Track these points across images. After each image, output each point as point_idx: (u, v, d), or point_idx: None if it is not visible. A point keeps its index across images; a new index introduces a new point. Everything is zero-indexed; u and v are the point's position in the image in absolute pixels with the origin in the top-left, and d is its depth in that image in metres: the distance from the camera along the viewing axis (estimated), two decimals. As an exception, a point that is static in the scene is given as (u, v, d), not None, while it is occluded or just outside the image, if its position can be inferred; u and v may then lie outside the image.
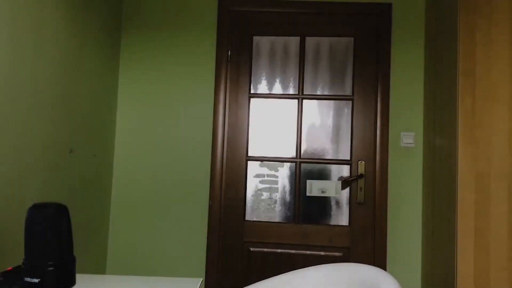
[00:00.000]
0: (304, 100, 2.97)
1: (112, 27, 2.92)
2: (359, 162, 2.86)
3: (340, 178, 2.88)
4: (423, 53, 2.94)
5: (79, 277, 0.93)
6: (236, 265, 2.88)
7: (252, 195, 2.95)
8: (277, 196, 2.95)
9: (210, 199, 2.92)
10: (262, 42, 3.02)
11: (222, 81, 2.97)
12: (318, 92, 2.97)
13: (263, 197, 2.95)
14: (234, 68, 2.98)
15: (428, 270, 2.68)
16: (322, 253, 2.84)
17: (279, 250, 2.87)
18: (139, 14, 3.05)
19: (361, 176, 2.83)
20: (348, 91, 2.95)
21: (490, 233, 2.13)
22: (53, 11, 2.11)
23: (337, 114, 2.96)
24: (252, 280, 2.85)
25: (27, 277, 0.87)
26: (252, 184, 2.96)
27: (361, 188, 2.83)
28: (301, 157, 2.94)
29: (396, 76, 2.93)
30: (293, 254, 2.86)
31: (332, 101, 2.96)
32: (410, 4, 2.96)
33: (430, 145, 2.73)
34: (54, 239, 0.87)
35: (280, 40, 3.02)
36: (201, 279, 1.48)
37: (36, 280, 0.86)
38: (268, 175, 2.96)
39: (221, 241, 2.90)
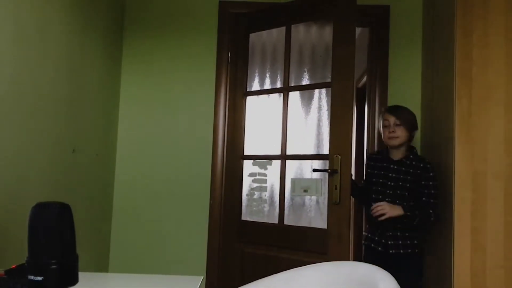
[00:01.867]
0: (290, 93, 2.74)
1: (115, 30, 2.92)
2: (334, 156, 2.40)
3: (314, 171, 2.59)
4: (421, 54, 2.94)
5: (82, 275, 0.93)
6: (236, 264, 2.86)
7: (247, 194, 2.89)
8: (266, 195, 2.81)
9: (210, 199, 2.92)
10: (257, 39, 2.95)
11: (223, 82, 2.96)
12: (303, 83, 2.77)
13: (255, 196, 2.86)
14: (233, 69, 2.97)
15: (426, 268, 2.68)
16: (304, 255, 2.49)
17: (267, 251, 2.69)
18: (141, 17, 3.05)
19: (335, 171, 2.37)
20: (328, 79, 2.62)
21: (486, 232, 2.13)
22: (56, 14, 2.11)
23: (320, 107, 2.71)
24: (252, 278, 2.83)
25: (31, 275, 0.87)
26: (246, 183, 2.89)
27: (336, 186, 2.36)
28: (286, 153, 2.70)
29: (394, 77, 2.93)
30: (280, 255, 2.62)
31: (316, 94, 2.71)
32: (408, 6, 2.96)
33: (428, 144, 2.73)
34: (57, 238, 0.87)
35: (272, 37, 2.91)
36: (202, 277, 1.48)
37: (39, 278, 0.86)
38: (259, 174, 2.86)
39: (221, 240, 2.89)
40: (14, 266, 1.24)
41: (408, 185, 2.35)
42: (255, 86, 2.95)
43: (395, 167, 2.41)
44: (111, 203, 2.96)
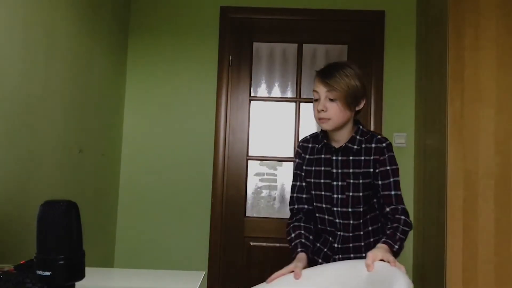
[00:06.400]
0: (301, 103, 2.97)
1: (120, 34, 2.92)
2: None
3: None
4: (415, 57, 2.94)
5: (88, 270, 0.93)
6: (237, 259, 2.88)
7: (253, 193, 2.96)
8: (276, 193, 2.95)
9: (212, 197, 2.92)
10: (262, 48, 3.02)
11: (224, 85, 2.97)
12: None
13: (262, 195, 2.95)
14: (235, 72, 2.99)
15: (419, 264, 2.68)
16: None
17: (278, 245, 2.85)
18: (145, 22, 3.05)
19: None
20: None
21: (478, 229, 2.13)
22: (63, 19, 2.11)
23: None
24: (253, 273, 2.85)
25: (39, 270, 0.87)
26: (252, 182, 2.96)
27: None
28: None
29: (389, 80, 2.93)
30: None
31: None
32: (402, 11, 2.96)
33: (421, 145, 2.73)
34: (64, 234, 0.87)
35: (278, 47, 3.01)
36: (204, 272, 1.48)
37: (47, 273, 0.86)
38: (267, 174, 2.96)
39: (223, 236, 2.90)
40: (23, 261, 1.25)
41: (362, 181, 1.55)
42: (261, 92, 3.01)
43: (339, 158, 1.58)
44: (116, 201, 2.96)
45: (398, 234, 1.44)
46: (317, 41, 2.99)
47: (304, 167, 1.66)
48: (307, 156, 1.66)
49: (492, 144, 2.15)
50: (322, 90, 1.52)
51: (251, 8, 2.99)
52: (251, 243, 2.89)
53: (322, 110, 1.51)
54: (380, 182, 1.54)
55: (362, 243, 1.58)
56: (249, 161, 2.96)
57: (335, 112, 1.51)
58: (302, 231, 1.60)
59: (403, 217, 1.49)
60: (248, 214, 2.93)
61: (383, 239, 1.41)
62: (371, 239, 1.59)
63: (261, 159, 2.96)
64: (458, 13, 2.20)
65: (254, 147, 2.97)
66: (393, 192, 1.53)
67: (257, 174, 2.97)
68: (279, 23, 2.99)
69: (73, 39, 2.22)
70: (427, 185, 2.57)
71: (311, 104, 3.01)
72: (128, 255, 2.94)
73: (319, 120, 1.54)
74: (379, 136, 1.59)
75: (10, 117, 1.70)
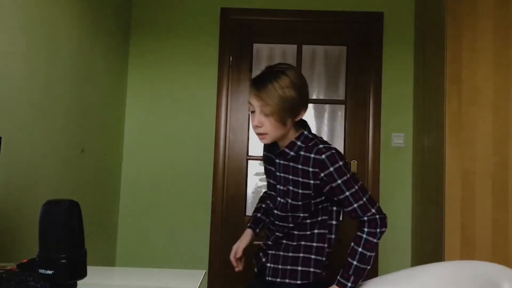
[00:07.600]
0: None
1: (121, 35, 2.92)
2: (351, 161, 2.85)
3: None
4: (413, 59, 2.94)
5: (90, 269, 0.93)
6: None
7: (253, 192, 2.96)
8: None
9: (212, 196, 2.92)
10: (262, 49, 3.02)
11: (224, 85, 2.98)
12: (314, 97, 2.97)
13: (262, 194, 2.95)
14: (236, 73, 2.99)
15: (417, 262, 2.68)
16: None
17: None
18: (146, 24, 3.05)
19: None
20: (341, 96, 2.96)
21: (475, 228, 2.13)
22: (65, 20, 2.11)
23: (331, 117, 2.97)
24: (253, 273, 2.84)
25: (41, 269, 0.87)
26: (252, 182, 2.96)
27: None
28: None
29: (387, 80, 2.93)
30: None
31: (326, 105, 2.98)
32: (401, 13, 2.96)
33: (419, 145, 2.73)
34: (66, 233, 0.87)
35: (278, 48, 3.02)
36: (205, 271, 1.48)
37: (49, 272, 0.86)
38: None
39: (223, 235, 2.90)
40: (25, 260, 1.25)
41: (301, 191, 1.44)
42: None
43: (281, 161, 1.50)
44: (118, 200, 2.96)
45: (355, 262, 1.38)
46: (317, 42, 2.99)
47: (264, 164, 1.63)
48: (265, 153, 1.61)
49: (490, 144, 2.15)
50: (256, 104, 1.40)
51: (251, 10, 2.99)
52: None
53: (258, 126, 1.41)
54: (339, 198, 1.42)
55: (295, 243, 1.51)
56: (249, 161, 2.96)
57: (271, 128, 1.40)
58: (263, 205, 1.76)
59: (365, 230, 1.41)
60: (248, 213, 2.93)
61: (338, 277, 1.40)
62: (307, 242, 1.51)
63: (261, 159, 2.95)
64: (455, 15, 2.21)
65: (254, 147, 2.97)
66: (355, 205, 1.41)
67: (257, 174, 2.97)
68: (279, 24, 3.00)
69: (74, 41, 2.22)
70: (425, 185, 2.57)
71: (311, 105, 3.04)
72: (129, 254, 2.94)
73: (256, 135, 1.45)
74: (320, 146, 1.42)
75: (12, 117, 1.70)
